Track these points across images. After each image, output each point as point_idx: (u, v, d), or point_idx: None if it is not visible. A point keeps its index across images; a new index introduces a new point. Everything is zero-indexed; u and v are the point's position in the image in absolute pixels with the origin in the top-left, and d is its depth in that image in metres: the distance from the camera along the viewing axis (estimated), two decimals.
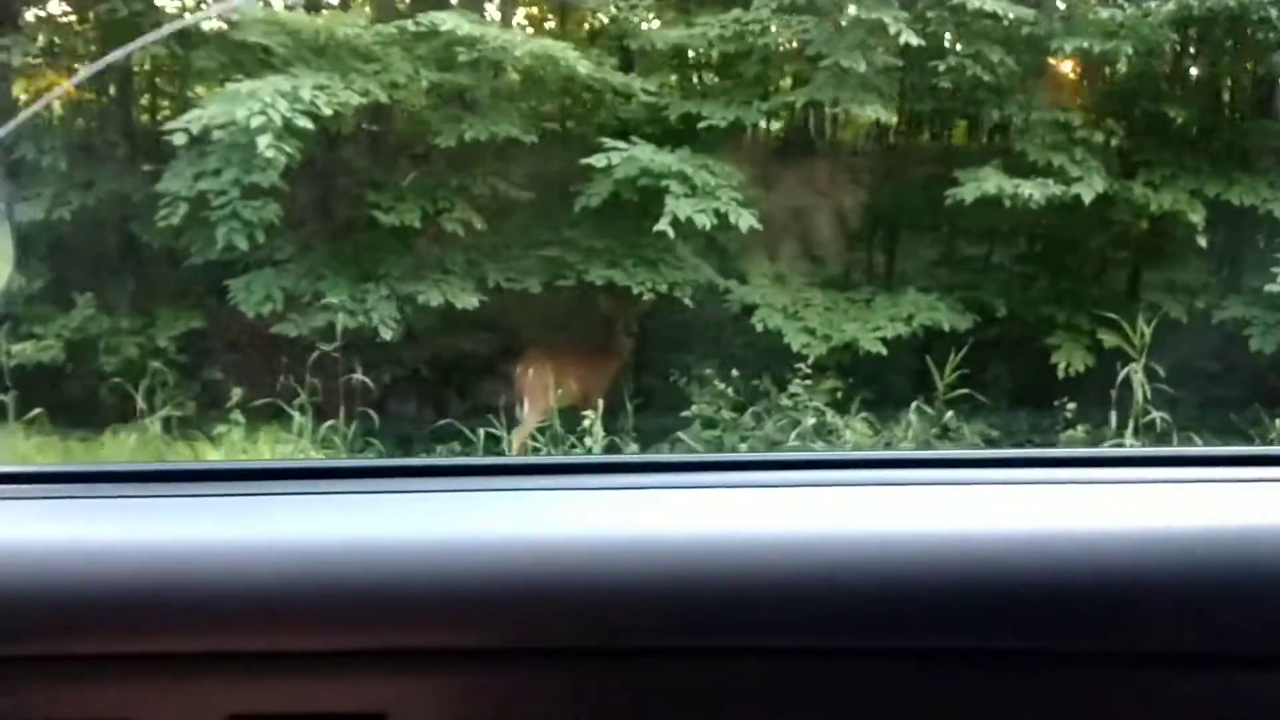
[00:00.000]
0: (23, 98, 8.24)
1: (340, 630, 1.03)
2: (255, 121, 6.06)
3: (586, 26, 10.19)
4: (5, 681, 1.03)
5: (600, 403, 7.52)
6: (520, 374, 8.12)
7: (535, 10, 10.98)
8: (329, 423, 7.25)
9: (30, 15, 8.08)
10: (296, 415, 6.98)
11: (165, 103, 10.24)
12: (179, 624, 1.02)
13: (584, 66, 7.30)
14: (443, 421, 8.52)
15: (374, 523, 1.09)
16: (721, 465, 1.26)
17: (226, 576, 1.02)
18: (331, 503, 1.14)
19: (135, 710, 1.04)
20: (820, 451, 6.27)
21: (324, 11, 7.30)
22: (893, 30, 7.19)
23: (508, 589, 1.02)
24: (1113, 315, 8.46)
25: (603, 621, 1.01)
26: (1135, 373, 7.12)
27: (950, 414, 7.50)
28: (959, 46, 7.52)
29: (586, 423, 7.43)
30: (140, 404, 7.54)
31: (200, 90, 9.22)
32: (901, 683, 1.03)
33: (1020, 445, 8.05)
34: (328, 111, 6.42)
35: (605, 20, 8.66)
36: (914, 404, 7.40)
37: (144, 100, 11.21)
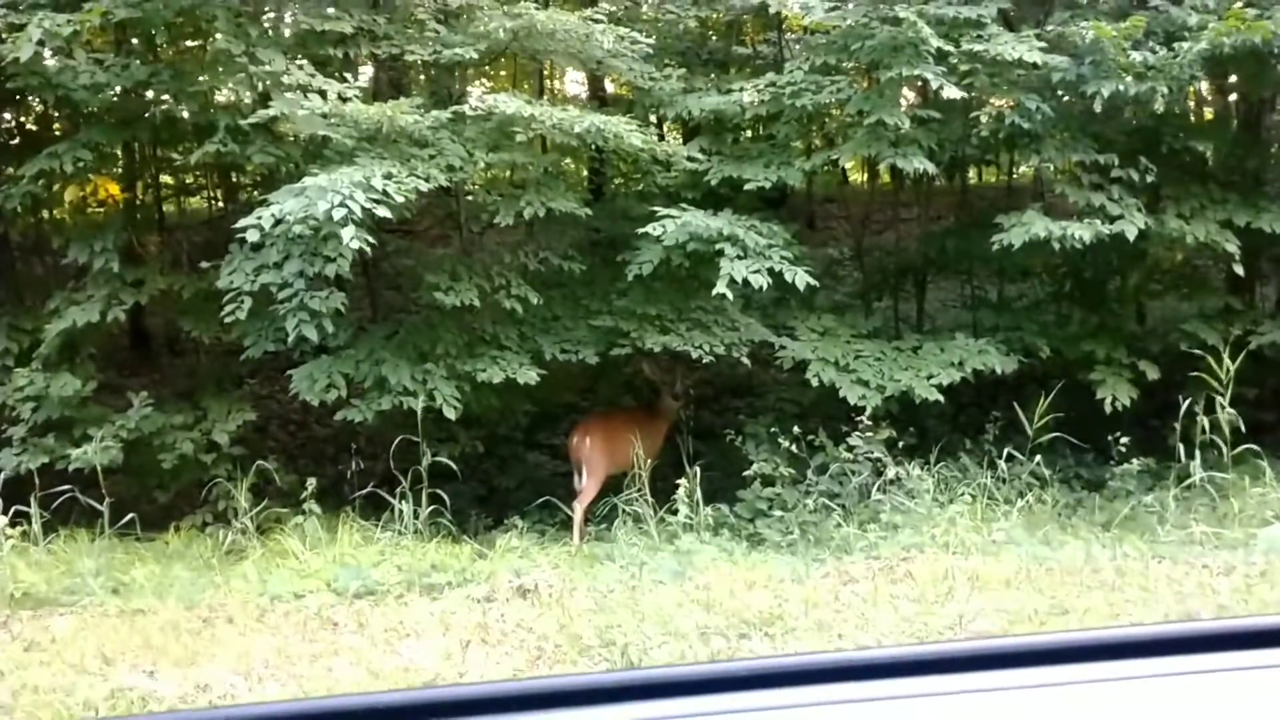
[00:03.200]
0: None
1: None
2: (338, 214, 6.11)
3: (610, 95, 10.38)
4: None
5: (645, 470, 7.54)
6: (576, 444, 8.16)
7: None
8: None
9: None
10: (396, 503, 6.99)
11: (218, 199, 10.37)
12: None
13: (637, 139, 7.39)
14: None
15: None
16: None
17: None
18: None
19: None
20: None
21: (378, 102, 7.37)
22: (934, 85, 7.35)
23: None
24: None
25: None
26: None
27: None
28: (994, 99, 7.68)
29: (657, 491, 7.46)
30: (222, 501, 7.53)
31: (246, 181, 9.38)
32: None
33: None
34: (399, 199, 6.48)
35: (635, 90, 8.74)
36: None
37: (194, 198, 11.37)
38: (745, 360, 8.18)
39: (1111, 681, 1.13)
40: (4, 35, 7.23)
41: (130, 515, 7.18)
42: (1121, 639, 1.25)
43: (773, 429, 8.02)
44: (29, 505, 6.95)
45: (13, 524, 6.68)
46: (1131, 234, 7.54)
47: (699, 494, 7.21)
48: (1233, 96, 9.67)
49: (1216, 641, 1.21)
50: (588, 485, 7.94)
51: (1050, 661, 1.21)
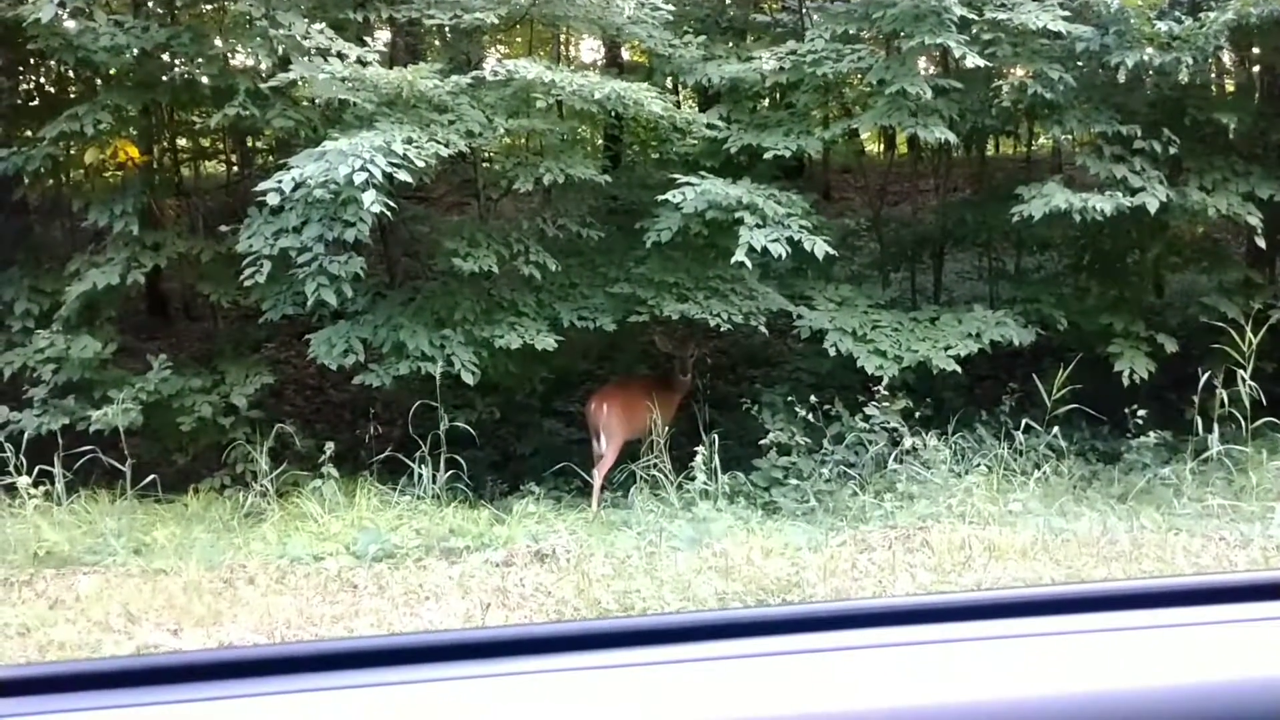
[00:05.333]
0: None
1: None
2: (359, 178, 6.11)
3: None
4: None
5: (662, 438, 7.55)
6: (594, 412, 8.17)
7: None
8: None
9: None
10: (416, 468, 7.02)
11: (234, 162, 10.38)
12: None
13: (657, 105, 7.36)
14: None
15: None
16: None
17: None
18: None
19: None
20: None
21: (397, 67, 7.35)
22: (957, 54, 7.30)
23: None
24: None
25: None
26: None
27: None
28: (1017, 68, 7.62)
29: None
30: (240, 464, 7.58)
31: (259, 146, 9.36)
32: None
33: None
34: (420, 164, 6.47)
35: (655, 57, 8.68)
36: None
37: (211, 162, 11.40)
38: (762, 329, 8.17)
39: (1117, 631, 1.16)
40: None
41: (151, 477, 7.22)
42: (1127, 591, 1.26)
43: (789, 398, 8.02)
44: (52, 465, 7.01)
45: (36, 484, 6.74)
46: (1153, 206, 7.48)
47: (716, 462, 7.23)
48: (1256, 68, 9.59)
49: (1221, 594, 1.23)
50: (606, 453, 7.96)
51: (1055, 611, 1.23)
